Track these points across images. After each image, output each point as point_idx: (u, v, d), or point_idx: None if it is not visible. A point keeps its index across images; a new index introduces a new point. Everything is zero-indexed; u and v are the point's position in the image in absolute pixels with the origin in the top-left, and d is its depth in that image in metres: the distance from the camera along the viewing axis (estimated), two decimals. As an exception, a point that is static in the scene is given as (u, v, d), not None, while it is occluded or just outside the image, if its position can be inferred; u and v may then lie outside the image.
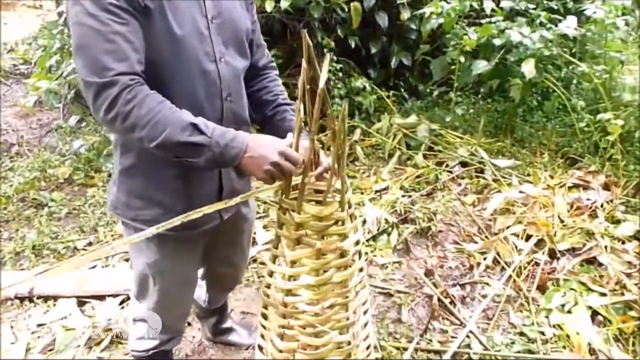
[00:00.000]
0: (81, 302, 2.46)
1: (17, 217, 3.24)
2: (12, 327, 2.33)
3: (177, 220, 1.18)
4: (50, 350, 2.19)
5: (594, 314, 2.21)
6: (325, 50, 4.01)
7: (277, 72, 1.61)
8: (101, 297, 2.47)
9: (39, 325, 2.33)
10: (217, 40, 1.31)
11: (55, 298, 2.48)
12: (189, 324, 2.28)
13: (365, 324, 1.50)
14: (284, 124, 1.48)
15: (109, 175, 3.25)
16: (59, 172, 3.71)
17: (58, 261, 2.76)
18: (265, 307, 1.43)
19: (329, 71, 4.07)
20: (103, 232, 3.05)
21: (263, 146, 1.19)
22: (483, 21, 3.92)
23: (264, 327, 1.44)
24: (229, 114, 1.37)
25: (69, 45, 4.16)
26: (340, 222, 1.29)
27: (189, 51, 1.25)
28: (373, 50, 4.37)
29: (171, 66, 1.23)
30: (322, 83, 1.12)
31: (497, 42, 3.61)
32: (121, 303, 2.41)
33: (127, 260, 2.69)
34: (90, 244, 2.96)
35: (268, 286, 1.40)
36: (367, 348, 1.51)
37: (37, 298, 2.47)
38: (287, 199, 1.29)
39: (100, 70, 1.11)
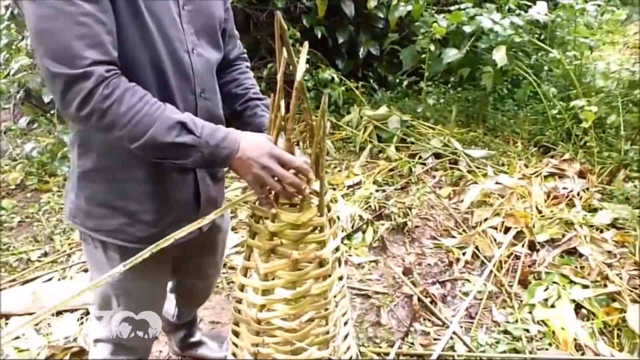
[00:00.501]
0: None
1: (-37, 228, 3.00)
2: (-42, 350, 2.12)
3: (170, 239, 1.04)
4: (2, 374, 2.00)
5: (578, 307, 2.15)
6: (290, 40, 3.85)
7: (248, 63, 1.47)
8: (58, 313, 2.28)
9: (-12, 347, 2.13)
10: (189, 29, 1.16)
11: (6, 316, 2.28)
12: (156, 337, 2.12)
13: (346, 336, 1.38)
14: (254, 119, 1.35)
15: (65, 180, 3.04)
16: (10, 178, 3.46)
17: (10, 275, 2.55)
18: (237, 324, 1.29)
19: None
20: (60, 241, 2.84)
21: (255, 147, 1.05)
22: (452, 8, 3.84)
23: (235, 345, 1.31)
24: (203, 112, 1.22)
25: (17, 41, 3.89)
26: (318, 229, 1.16)
27: (162, 37, 1.09)
28: (340, 40, 4.26)
29: (142, 54, 1.07)
30: (299, 75, 0.98)
31: (467, 29, 3.54)
32: (80, 318, 2.23)
33: (85, 270, 2.50)
34: (45, 254, 2.75)
35: (239, 301, 1.26)
36: (349, 360, 1.39)
37: (-14, 317, 2.27)
38: (260, 205, 1.15)
39: (70, 59, 0.94)
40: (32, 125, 4.04)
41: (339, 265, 1.30)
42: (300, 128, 1.20)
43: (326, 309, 1.22)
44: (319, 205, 1.14)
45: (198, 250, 1.47)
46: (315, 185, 1.15)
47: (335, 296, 1.27)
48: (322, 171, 1.11)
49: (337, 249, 1.28)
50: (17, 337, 2.16)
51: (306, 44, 1.02)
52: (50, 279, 2.51)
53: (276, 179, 1.06)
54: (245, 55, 1.47)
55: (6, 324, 2.25)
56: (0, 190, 3.43)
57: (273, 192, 1.10)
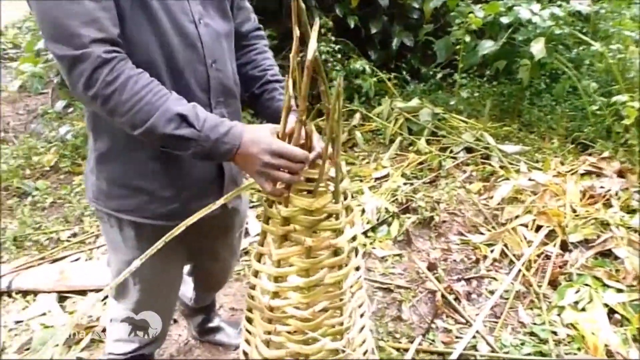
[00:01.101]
0: (62, 297, 2.31)
1: (-1, 207, 3.09)
2: (-12, 323, 2.19)
3: (195, 217, 1.05)
4: (27, 349, 2.04)
5: (611, 312, 2.04)
6: (323, 30, 3.81)
7: (266, 42, 1.43)
8: (83, 293, 2.32)
9: (17, 322, 2.19)
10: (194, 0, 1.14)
11: (34, 293, 2.33)
12: (175, 321, 2.14)
13: (362, 328, 1.34)
14: (273, 103, 1.31)
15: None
16: (45, 160, 3.56)
17: (40, 253, 2.61)
18: (250, 310, 1.28)
19: (327, 52, 3.88)
20: (89, 222, 2.89)
21: (256, 143, 1.02)
22: (489, -2, 3.72)
23: (248, 331, 1.29)
24: (216, 84, 1.20)
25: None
26: (334, 216, 1.13)
27: (164, 10, 1.07)
28: (373, 31, 4.18)
29: (146, 30, 1.05)
30: (310, 53, 0.94)
31: (504, 20, 3.42)
32: (104, 299, 2.26)
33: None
34: (74, 234, 2.82)
35: (253, 287, 1.25)
36: (364, 354, 1.36)
37: (16, 293, 2.33)
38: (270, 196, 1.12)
39: (67, 38, 0.94)
40: (68, 109, 4.13)
41: (356, 255, 1.27)
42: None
43: (341, 300, 1.19)
44: (334, 191, 1.10)
45: (213, 233, 1.45)
46: (332, 172, 1.11)
47: (351, 287, 1.24)
48: (338, 156, 1.07)
49: (354, 239, 1.24)
50: (44, 314, 2.22)
51: (317, 20, 0.97)
52: (77, 259, 2.56)
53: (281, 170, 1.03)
54: (261, 32, 1.42)
55: (34, 300, 2.30)
56: (35, 171, 3.52)
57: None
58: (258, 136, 1.03)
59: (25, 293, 2.33)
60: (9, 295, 2.33)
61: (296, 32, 0.96)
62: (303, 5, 0.95)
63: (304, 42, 0.97)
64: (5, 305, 2.30)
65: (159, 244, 1.02)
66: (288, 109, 1.04)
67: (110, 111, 0.99)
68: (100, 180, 1.24)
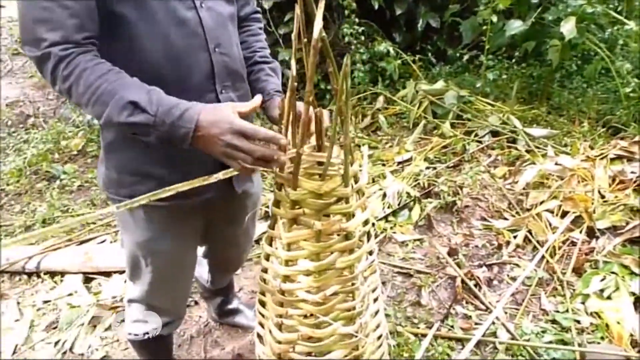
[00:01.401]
0: (88, 278, 2.37)
1: (29, 190, 3.18)
2: (18, 303, 2.26)
3: (170, 190, 1.03)
4: (55, 328, 2.11)
5: (637, 301, 1.98)
6: (346, 11, 3.76)
7: (261, 25, 1.42)
8: (107, 274, 2.38)
9: (45, 302, 2.27)
10: None
11: (62, 274, 2.40)
12: (196, 302, 2.17)
13: (376, 313, 1.33)
14: (257, 84, 1.31)
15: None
16: (72, 144, 3.64)
17: (67, 235, 2.68)
18: (263, 294, 1.28)
19: (350, 34, 3.82)
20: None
21: (215, 124, 0.98)
22: (518, -23, 3.59)
23: (262, 314, 1.30)
24: (220, 68, 1.19)
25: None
26: (344, 200, 1.11)
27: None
28: (398, 12, 4.08)
29: (138, 18, 1.05)
30: (316, 31, 0.91)
31: (533, -1, 3.30)
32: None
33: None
34: (100, 218, 2.87)
35: (265, 270, 1.25)
36: (379, 338, 1.35)
37: (44, 274, 2.40)
38: (282, 172, 1.11)
39: (34, 41, 0.99)
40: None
41: (369, 239, 1.25)
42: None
43: (352, 284, 1.17)
44: (344, 175, 1.08)
45: (225, 216, 1.46)
46: (341, 155, 1.09)
47: (363, 271, 1.22)
48: (347, 139, 1.05)
49: (365, 223, 1.23)
50: (70, 294, 2.28)
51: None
52: (103, 241, 2.62)
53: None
54: (258, 15, 1.42)
55: (61, 280, 2.37)
56: (63, 155, 3.60)
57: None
58: (218, 117, 0.99)
59: (53, 274, 2.40)
60: (38, 276, 2.41)
61: (297, 11, 0.94)
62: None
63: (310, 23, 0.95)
64: (35, 285, 2.38)
65: (143, 198, 1.02)
66: (292, 90, 1.02)
67: (76, 103, 1.03)
68: (110, 169, 1.25)
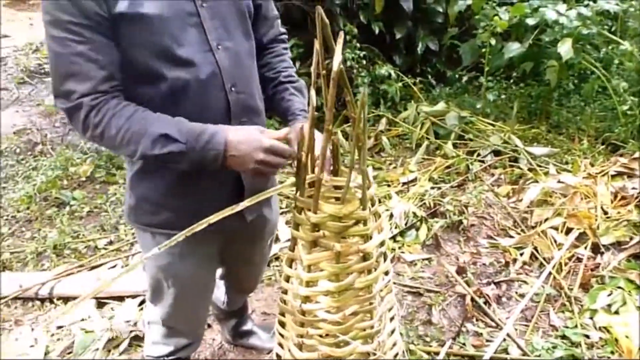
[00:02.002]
0: (100, 303, 2.39)
1: (39, 217, 3.22)
2: (32, 329, 2.28)
3: (203, 223, 1.07)
4: (69, 353, 2.13)
5: (645, 314, 2.02)
6: (347, 37, 3.85)
7: (285, 45, 1.46)
8: (120, 298, 2.40)
9: (59, 327, 2.28)
10: (212, 25, 1.16)
11: (75, 299, 2.42)
12: (209, 325, 2.19)
13: (392, 332, 1.37)
14: (282, 103, 1.36)
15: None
16: (81, 170, 3.68)
17: (79, 261, 2.71)
18: (282, 314, 1.32)
19: (352, 58, 3.91)
20: (124, 231, 2.99)
21: (244, 142, 1.09)
22: (514, 0, 3.69)
23: (281, 335, 1.33)
24: (236, 106, 1.23)
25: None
26: (362, 222, 1.16)
27: (178, 41, 1.11)
28: (398, 36, 4.19)
29: (156, 65, 1.10)
30: (336, 64, 0.97)
31: (530, 21, 3.39)
32: (140, 304, 2.34)
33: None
34: (111, 242, 2.91)
35: (285, 292, 1.28)
36: (395, 357, 1.38)
37: (57, 299, 2.42)
38: (302, 196, 1.16)
39: (64, 94, 1.07)
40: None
41: (384, 260, 1.29)
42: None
43: (370, 303, 1.21)
44: (362, 198, 1.13)
45: (244, 240, 1.50)
46: (359, 179, 1.15)
47: (380, 291, 1.26)
48: (364, 163, 1.10)
49: (382, 244, 1.27)
50: (83, 320, 2.31)
51: (341, 33, 1.01)
52: (114, 266, 2.65)
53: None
54: (284, 37, 1.45)
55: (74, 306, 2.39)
56: (72, 182, 3.65)
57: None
58: (246, 137, 1.09)
59: (66, 299, 2.42)
60: (51, 301, 2.43)
61: (317, 46, 1.00)
62: (327, 21, 0.99)
63: (326, 51, 1.01)
64: (48, 311, 2.40)
65: (179, 236, 1.06)
66: (313, 120, 1.08)
67: (109, 147, 1.13)
68: (132, 198, 1.32)
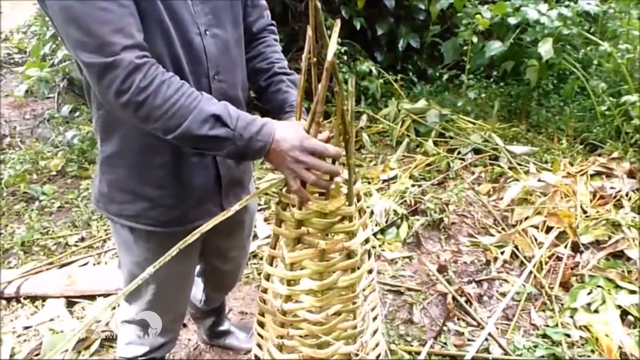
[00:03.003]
0: (71, 302, 2.30)
1: (6, 212, 3.09)
2: (-3, 329, 2.18)
3: (196, 234, 1.03)
4: (37, 354, 2.04)
5: (624, 313, 2.02)
6: (328, 32, 3.80)
7: (276, 37, 1.41)
8: (92, 297, 2.31)
9: (26, 327, 2.19)
10: (202, 9, 1.12)
11: (43, 298, 2.33)
12: (185, 325, 2.12)
13: (375, 332, 1.33)
14: (278, 96, 1.31)
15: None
16: (52, 164, 3.56)
17: (48, 258, 2.61)
18: (262, 314, 1.27)
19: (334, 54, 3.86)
20: (96, 227, 2.89)
21: (289, 139, 1.01)
22: (496, -1, 3.70)
23: (260, 335, 1.28)
24: (217, 95, 1.17)
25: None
26: (347, 218, 1.11)
27: (174, 23, 1.07)
28: (379, 32, 4.17)
29: (157, 38, 1.05)
30: (330, 54, 0.93)
31: (512, 20, 3.40)
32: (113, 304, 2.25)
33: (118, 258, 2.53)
34: (82, 239, 2.81)
35: (265, 291, 1.23)
36: (377, 357, 1.34)
37: (24, 298, 2.32)
38: (286, 192, 1.11)
39: (99, 46, 0.93)
40: (74, 113, 4.13)
41: (369, 258, 1.25)
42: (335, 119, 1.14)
43: (354, 303, 1.18)
44: (348, 194, 1.09)
45: (223, 232, 1.45)
46: (344, 174, 1.10)
47: (364, 290, 1.22)
48: (351, 158, 1.06)
49: (366, 241, 1.23)
50: (52, 320, 2.21)
51: (338, 21, 0.97)
52: (86, 264, 2.56)
53: (310, 169, 1.03)
54: (274, 27, 1.41)
55: (42, 305, 2.29)
56: (42, 176, 3.52)
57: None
58: (290, 133, 1.02)
59: (33, 298, 2.32)
60: (18, 301, 2.33)
61: (309, 32, 0.95)
62: (319, 5, 0.95)
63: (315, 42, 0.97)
64: (14, 311, 2.30)
65: (173, 251, 1.01)
66: (301, 110, 1.03)
67: (144, 117, 0.99)
68: (102, 183, 1.24)
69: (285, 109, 1.27)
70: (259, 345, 1.30)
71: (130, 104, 0.96)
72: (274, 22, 1.42)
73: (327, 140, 1.07)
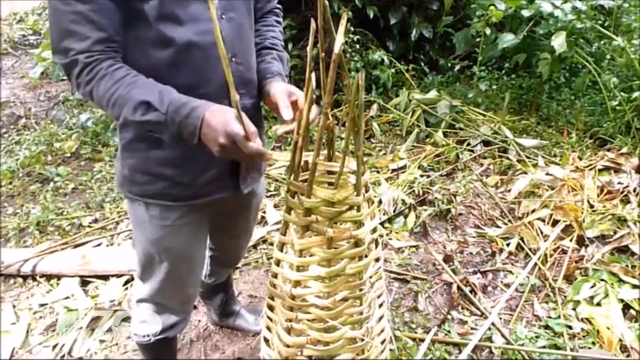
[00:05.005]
0: (84, 281, 2.37)
1: (22, 192, 3.17)
2: (14, 306, 2.25)
3: None
4: (52, 331, 2.11)
5: (626, 307, 2.05)
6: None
7: (279, 18, 1.47)
8: (105, 277, 2.38)
9: (41, 305, 2.26)
10: None
11: (58, 277, 2.40)
12: (195, 307, 2.18)
13: (380, 318, 1.37)
14: (261, 65, 1.35)
15: (117, 150, 3.16)
16: (66, 146, 3.62)
17: (62, 238, 2.67)
18: (272, 298, 1.31)
19: (346, 42, 3.88)
20: (109, 209, 2.95)
21: (216, 123, 1.05)
22: (510, -9, 3.67)
23: (270, 318, 1.33)
24: (235, 77, 1.21)
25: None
26: (355, 208, 1.15)
27: (187, 5, 1.12)
28: (392, 21, 4.16)
29: (162, 29, 1.10)
30: (337, 47, 0.96)
31: (525, 13, 3.38)
32: (125, 284, 2.32)
33: (132, 238, 2.59)
34: (96, 220, 2.87)
35: (275, 275, 1.28)
36: (382, 343, 1.39)
37: (40, 277, 2.39)
38: (296, 180, 1.15)
39: (62, 51, 1.07)
40: (88, 96, 4.17)
41: (376, 246, 1.29)
42: (346, 108, 1.17)
43: (361, 290, 1.21)
44: (356, 184, 1.12)
45: (230, 213, 1.52)
46: (353, 164, 1.13)
47: (370, 277, 1.26)
48: (359, 150, 1.09)
49: (374, 230, 1.27)
50: (67, 298, 2.28)
51: (344, 15, 0.99)
52: (99, 244, 2.62)
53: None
54: (278, 11, 1.47)
55: (57, 284, 2.36)
56: (57, 157, 3.58)
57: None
58: (217, 118, 1.05)
59: (49, 277, 2.39)
60: (34, 279, 2.40)
61: (314, 25, 0.98)
62: (327, 3, 0.97)
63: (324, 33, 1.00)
64: (30, 288, 2.37)
65: None
66: (311, 102, 1.06)
67: (97, 105, 1.12)
68: (124, 168, 1.30)
69: (266, 75, 1.32)
70: (268, 328, 1.35)
71: (86, 96, 1.11)
72: (279, 6, 1.47)
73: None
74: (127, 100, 1.06)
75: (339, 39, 0.96)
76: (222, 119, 1.05)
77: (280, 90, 1.24)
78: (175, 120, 1.05)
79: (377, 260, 1.30)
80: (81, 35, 1.05)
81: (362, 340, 1.25)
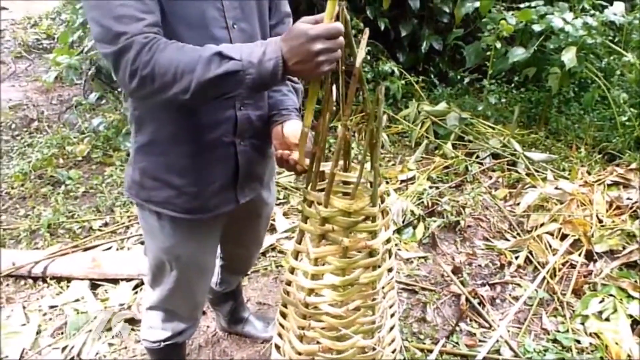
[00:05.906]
0: (94, 284, 2.39)
1: (33, 195, 3.20)
2: (24, 307, 2.27)
3: None
4: (61, 333, 2.12)
5: (634, 323, 2.05)
6: (353, 31, 3.84)
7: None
8: (115, 281, 2.39)
9: (51, 307, 2.28)
10: (230, 4, 1.18)
11: (68, 279, 2.42)
12: (204, 313, 2.19)
13: (392, 328, 1.38)
14: (276, 95, 1.36)
15: (128, 155, 3.19)
16: (77, 150, 3.65)
17: (73, 241, 2.70)
18: (285, 305, 1.32)
19: (357, 54, 3.91)
20: (119, 213, 2.98)
21: (293, 41, 0.96)
22: (522, 5, 3.70)
23: (282, 326, 1.34)
24: None
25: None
26: (371, 218, 1.17)
27: (198, 14, 1.13)
28: (403, 33, 4.20)
29: (178, 33, 1.10)
30: (359, 61, 0.98)
31: (536, 28, 3.40)
32: (135, 288, 2.34)
33: (142, 243, 2.61)
34: (106, 224, 2.90)
35: (289, 283, 1.29)
36: (393, 352, 1.40)
37: (51, 279, 2.41)
38: (312, 190, 1.17)
39: (113, 38, 1.00)
40: (101, 101, 4.23)
41: (389, 257, 1.30)
42: (357, 119, 1.19)
43: (374, 299, 1.23)
44: (372, 195, 1.14)
45: (241, 222, 1.53)
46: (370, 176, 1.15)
47: (383, 287, 1.27)
48: (376, 162, 1.11)
49: (388, 241, 1.28)
50: (77, 300, 2.30)
51: (366, 30, 1.02)
52: (109, 248, 2.64)
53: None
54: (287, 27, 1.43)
55: (67, 286, 2.38)
56: (68, 161, 3.62)
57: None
58: (293, 34, 0.97)
59: (59, 279, 2.41)
60: (44, 281, 2.42)
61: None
62: (348, 17, 1.00)
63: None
64: (40, 290, 2.39)
65: None
66: (331, 113, 1.08)
67: (161, 88, 1.01)
68: (135, 171, 1.31)
69: (282, 110, 1.31)
70: (280, 335, 1.36)
71: (146, 80, 1.00)
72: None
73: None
74: (197, 60, 0.98)
75: (361, 54, 0.98)
76: (296, 33, 0.96)
77: (295, 132, 1.23)
78: (253, 62, 0.98)
79: (390, 270, 1.31)
80: (134, 17, 1.01)
81: (374, 349, 1.26)
